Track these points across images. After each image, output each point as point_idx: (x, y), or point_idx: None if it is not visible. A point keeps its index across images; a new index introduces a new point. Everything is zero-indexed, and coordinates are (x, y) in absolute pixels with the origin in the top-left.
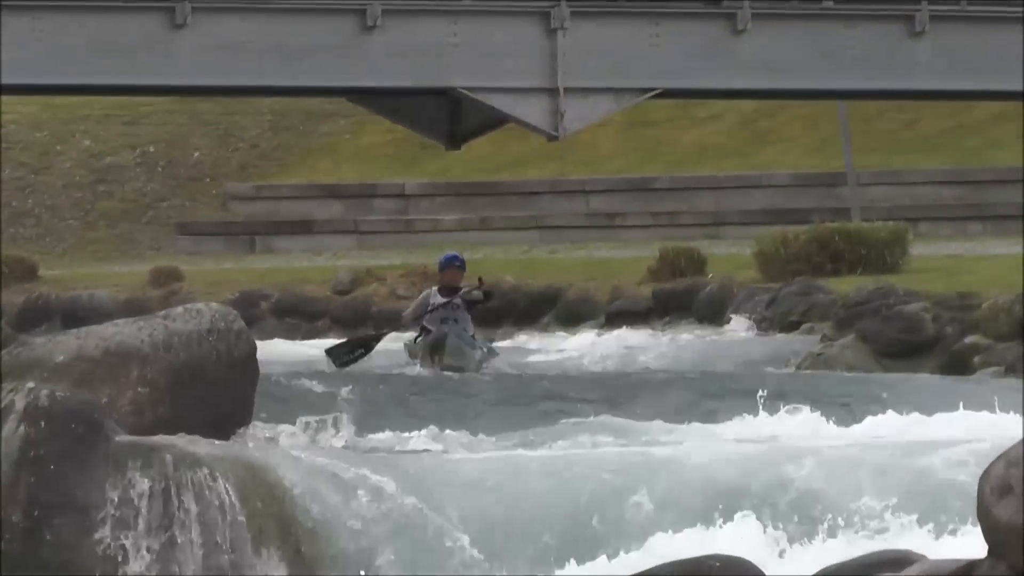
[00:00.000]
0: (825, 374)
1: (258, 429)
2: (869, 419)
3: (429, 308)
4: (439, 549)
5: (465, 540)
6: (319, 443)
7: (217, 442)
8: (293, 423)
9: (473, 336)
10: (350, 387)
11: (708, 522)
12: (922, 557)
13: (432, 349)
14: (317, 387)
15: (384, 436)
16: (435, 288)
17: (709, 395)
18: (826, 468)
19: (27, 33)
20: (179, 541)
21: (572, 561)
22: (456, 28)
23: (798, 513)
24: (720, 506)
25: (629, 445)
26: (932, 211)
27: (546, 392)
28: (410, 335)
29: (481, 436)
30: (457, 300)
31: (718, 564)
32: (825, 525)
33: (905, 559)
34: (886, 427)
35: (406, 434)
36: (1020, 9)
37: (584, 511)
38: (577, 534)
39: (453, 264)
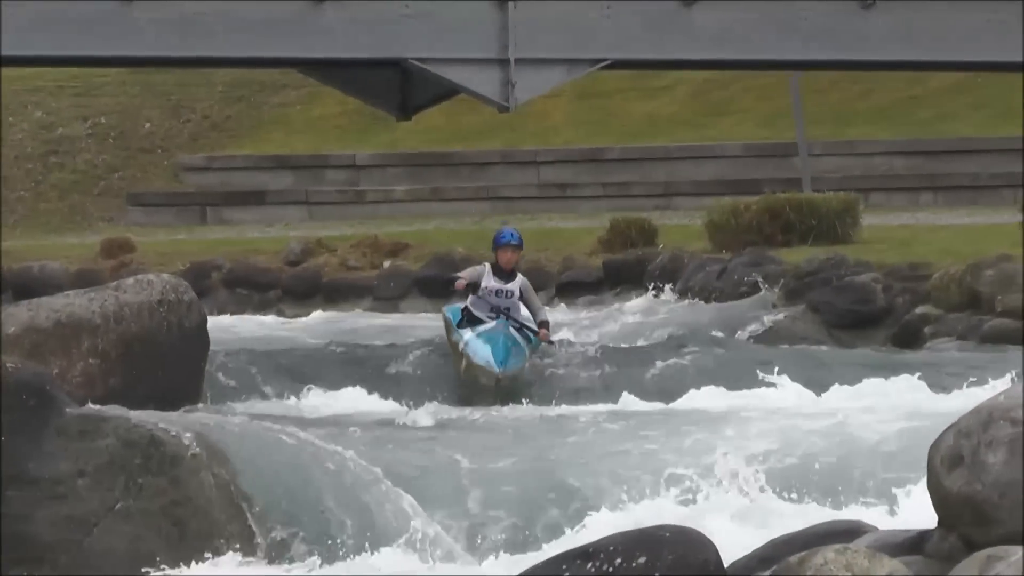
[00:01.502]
0: (775, 346)
1: (208, 400)
2: (820, 390)
3: (480, 291)
4: (389, 513)
5: (414, 504)
6: (265, 413)
7: (167, 414)
8: (242, 397)
9: (520, 328)
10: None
11: (658, 494)
12: (873, 528)
13: (474, 373)
14: (265, 360)
15: (339, 404)
16: (489, 266)
17: (653, 366)
18: (778, 438)
19: None
20: (127, 511)
21: (532, 531)
22: (408, 0)
23: (751, 483)
24: (673, 477)
25: (581, 418)
26: (884, 182)
27: None
28: (453, 309)
29: (433, 405)
30: (513, 288)
31: (668, 534)
32: (776, 495)
33: (856, 530)
34: (835, 398)
35: (363, 402)
36: None
37: (543, 483)
38: (535, 506)
39: (510, 243)
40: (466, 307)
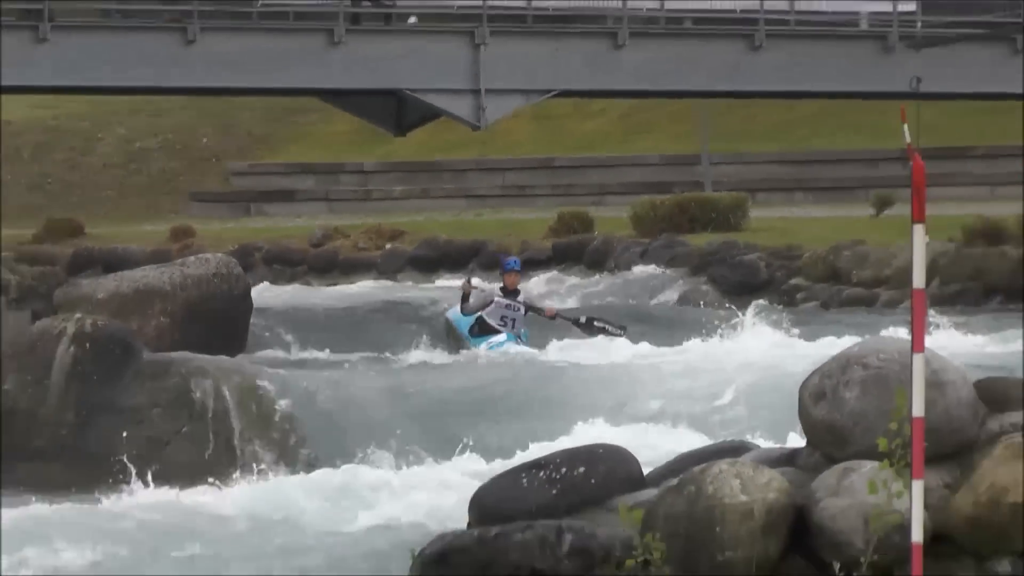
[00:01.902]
0: (683, 308)
1: (250, 349)
2: (718, 343)
3: (489, 303)
4: (387, 435)
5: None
6: (294, 359)
7: (219, 359)
8: (276, 347)
9: (520, 336)
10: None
11: (595, 423)
12: (756, 446)
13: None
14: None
15: (351, 351)
16: (498, 287)
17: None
18: (688, 379)
19: (77, 45)
20: (191, 433)
21: (493, 449)
22: (401, 44)
23: (669, 414)
24: (608, 408)
25: (542, 357)
26: (766, 184)
27: None
28: (456, 314)
29: (420, 351)
30: (519, 304)
31: (601, 450)
32: (686, 423)
33: (743, 448)
34: (728, 349)
35: (367, 348)
36: (839, 28)
37: (501, 409)
38: (496, 428)
39: (515, 269)
40: (480, 317)
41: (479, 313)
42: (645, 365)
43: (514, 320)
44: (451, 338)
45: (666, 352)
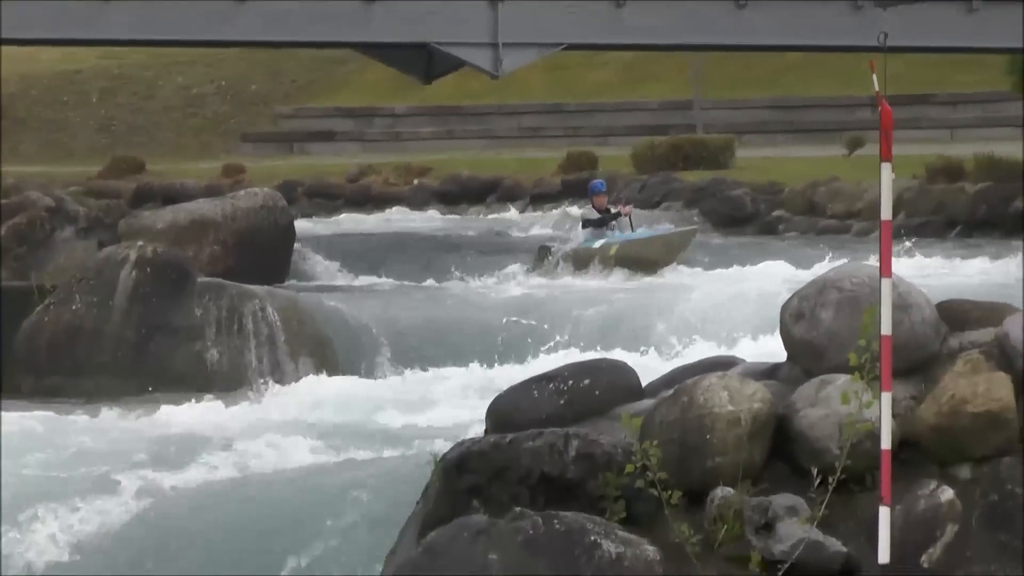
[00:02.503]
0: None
1: (293, 275)
2: (712, 267)
3: (585, 222)
4: (409, 340)
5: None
6: (331, 284)
7: (264, 287)
8: (317, 271)
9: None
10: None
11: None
12: (743, 361)
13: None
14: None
15: (382, 276)
16: (589, 207)
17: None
18: (697, 301)
19: (142, 4)
20: (241, 349)
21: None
22: (429, 3)
23: (674, 331)
24: (615, 330)
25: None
26: (752, 127)
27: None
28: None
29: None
30: (609, 217)
31: (604, 364)
32: (689, 340)
33: (732, 362)
34: (721, 272)
35: (397, 275)
36: None
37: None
38: (499, 346)
39: (600, 191)
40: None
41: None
42: (652, 283)
43: (611, 228)
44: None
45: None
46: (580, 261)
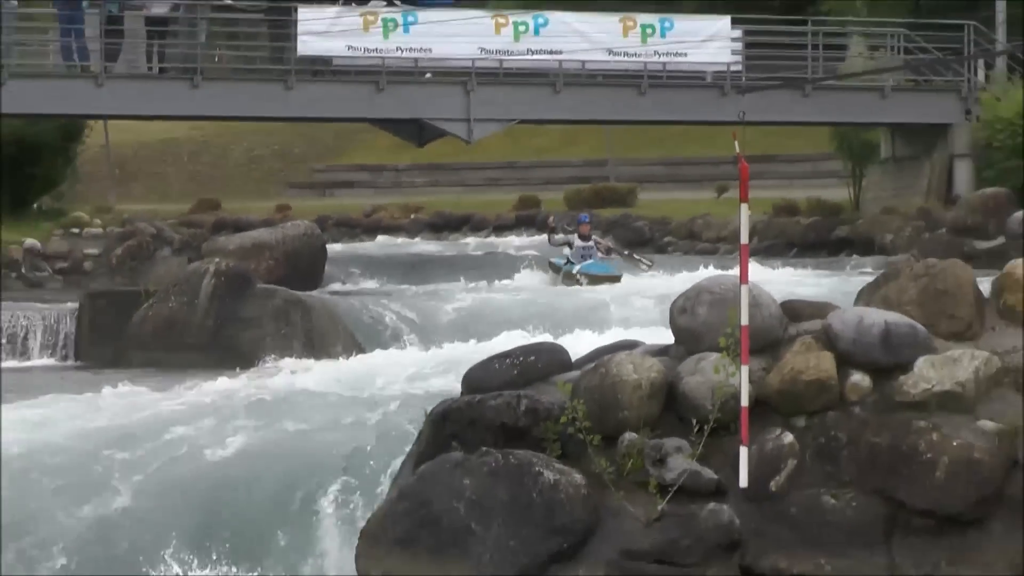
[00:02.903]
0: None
1: (325, 283)
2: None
3: (572, 246)
4: (423, 324)
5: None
6: (353, 289)
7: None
8: (341, 281)
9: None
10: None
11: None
12: (643, 343)
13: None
14: (356, 265)
15: (394, 283)
16: (576, 235)
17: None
18: (609, 299)
19: (219, 90)
20: (290, 336)
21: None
22: (422, 90)
23: (592, 321)
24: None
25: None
26: (649, 178)
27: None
28: (558, 259)
29: (445, 281)
30: (591, 244)
31: (545, 346)
32: (604, 329)
33: (636, 344)
34: (625, 282)
35: (406, 280)
36: (693, 80)
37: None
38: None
39: (586, 222)
40: (567, 258)
41: (567, 252)
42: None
43: (590, 256)
44: (552, 268)
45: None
46: (566, 277)
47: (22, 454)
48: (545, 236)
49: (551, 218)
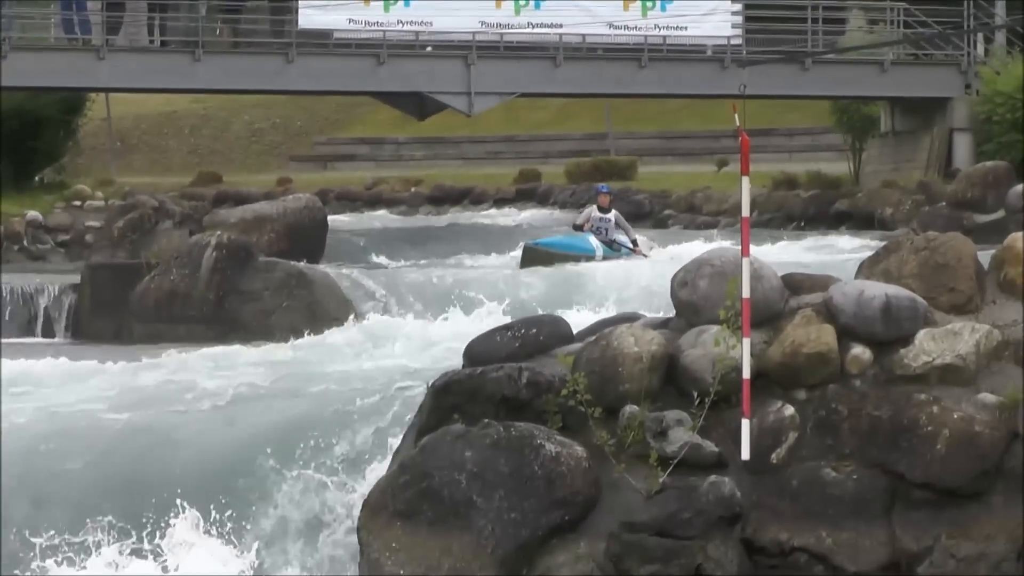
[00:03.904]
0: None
1: (326, 257)
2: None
3: (591, 220)
4: (426, 296)
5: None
6: (352, 262)
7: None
8: (342, 254)
9: (612, 242)
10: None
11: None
12: (644, 315)
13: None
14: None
15: (395, 259)
16: (595, 206)
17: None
18: (609, 272)
19: (218, 63)
20: (288, 307)
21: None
22: (423, 63)
23: (596, 294)
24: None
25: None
26: (649, 151)
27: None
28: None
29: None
30: (610, 216)
31: (547, 319)
32: (607, 304)
33: (636, 316)
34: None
35: (405, 256)
36: (694, 53)
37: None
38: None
39: (603, 192)
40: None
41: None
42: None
43: (606, 229)
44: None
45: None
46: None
47: (27, 425)
48: (546, 211)
49: (586, 215)
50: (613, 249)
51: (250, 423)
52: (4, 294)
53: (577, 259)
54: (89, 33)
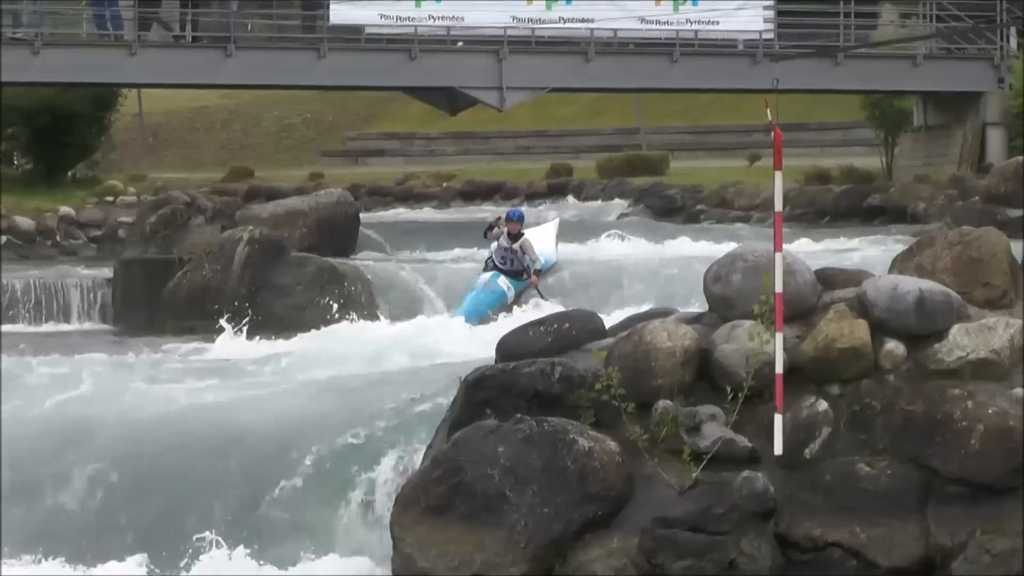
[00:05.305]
0: (634, 220)
1: (358, 250)
2: (652, 244)
3: (497, 245)
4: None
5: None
6: (385, 256)
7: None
8: (374, 248)
9: (521, 271)
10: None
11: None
12: (677, 310)
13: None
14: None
15: (428, 250)
16: (505, 230)
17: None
18: (641, 267)
19: (250, 59)
20: (322, 304)
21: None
22: (454, 58)
23: (627, 290)
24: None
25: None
26: (680, 146)
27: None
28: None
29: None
30: (517, 247)
31: (578, 314)
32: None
33: (669, 311)
34: (662, 248)
35: (438, 248)
36: (725, 48)
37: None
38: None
39: (513, 218)
40: (491, 256)
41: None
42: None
43: (512, 260)
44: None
45: (620, 251)
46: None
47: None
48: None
49: (499, 219)
50: (521, 280)
51: (281, 418)
52: (34, 287)
53: (498, 310)
54: (121, 29)
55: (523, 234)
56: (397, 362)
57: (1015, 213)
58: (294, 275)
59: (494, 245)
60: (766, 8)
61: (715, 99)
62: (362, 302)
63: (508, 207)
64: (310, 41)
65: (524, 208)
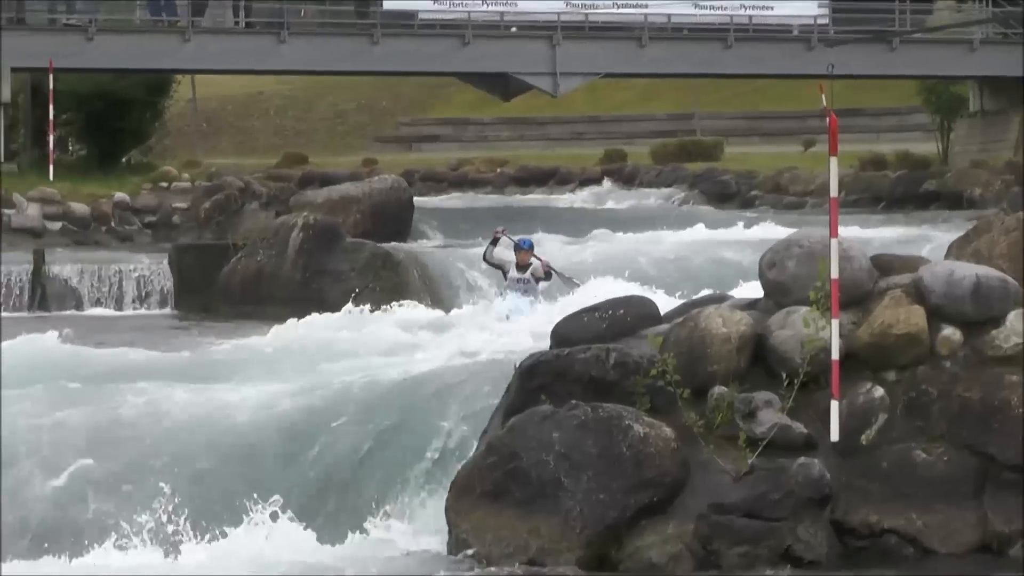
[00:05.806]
0: (689, 208)
1: (412, 236)
2: (711, 229)
3: (508, 277)
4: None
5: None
6: (438, 243)
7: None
8: (427, 234)
9: (532, 300)
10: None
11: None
12: (731, 296)
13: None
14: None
15: (467, 240)
16: (514, 262)
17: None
18: (702, 249)
19: (304, 44)
20: (375, 285)
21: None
22: (508, 44)
23: (689, 275)
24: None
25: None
26: (735, 131)
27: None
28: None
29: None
30: (528, 276)
31: (634, 299)
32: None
33: (724, 297)
34: (718, 232)
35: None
36: (780, 33)
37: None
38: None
39: (523, 248)
40: (504, 291)
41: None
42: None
43: (525, 290)
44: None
45: (674, 234)
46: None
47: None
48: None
49: (498, 229)
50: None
51: (336, 402)
52: (83, 273)
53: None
54: (175, 15)
55: (531, 263)
56: (451, 347)
57: None
58: (349, 261)
59: (506, 281)
60: None
61: (769, 84)
62: (417, 288)
63: (561, 193)
64: (363, 27)
65: (581, 192)
